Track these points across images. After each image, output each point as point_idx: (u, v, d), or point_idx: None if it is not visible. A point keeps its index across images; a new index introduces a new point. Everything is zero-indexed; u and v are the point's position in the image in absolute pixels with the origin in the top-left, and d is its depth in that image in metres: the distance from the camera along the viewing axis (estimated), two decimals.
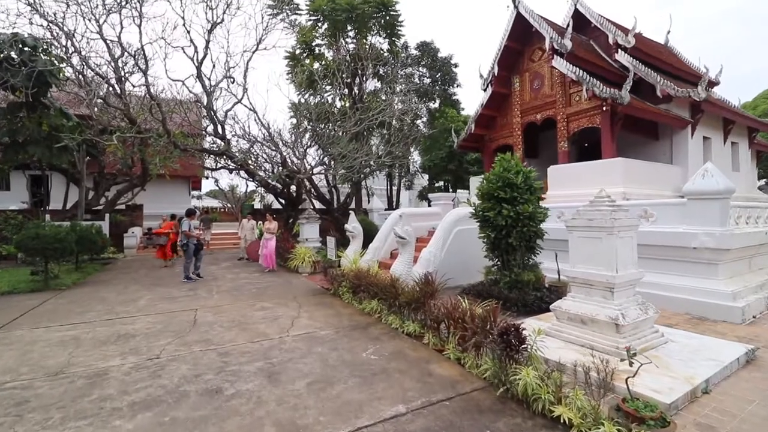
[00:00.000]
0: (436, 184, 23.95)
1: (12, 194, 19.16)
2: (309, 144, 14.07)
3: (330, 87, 17.14)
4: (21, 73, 10.75)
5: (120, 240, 15.55)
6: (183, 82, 13.25)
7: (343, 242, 10.82)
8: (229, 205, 29.88)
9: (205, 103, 13.18)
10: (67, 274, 9.67)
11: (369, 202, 21.66)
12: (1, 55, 11.31)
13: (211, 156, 14.50)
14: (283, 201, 15.42)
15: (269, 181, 14.38)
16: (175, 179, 20.59)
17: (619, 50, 12.47)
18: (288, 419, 2.83)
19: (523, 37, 13.09)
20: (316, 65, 17.34)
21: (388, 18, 18.29)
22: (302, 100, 17.44)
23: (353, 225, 10.02)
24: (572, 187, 10.51)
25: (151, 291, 7.93)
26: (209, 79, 13.23)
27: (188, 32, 12.42)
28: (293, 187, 14.83)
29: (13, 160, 13.31)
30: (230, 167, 14.33)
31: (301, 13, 17.98)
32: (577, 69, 11.00)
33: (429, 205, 22.61)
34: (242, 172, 14.61)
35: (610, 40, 12.70)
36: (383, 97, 16.43)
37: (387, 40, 19.14)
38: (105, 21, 11.76)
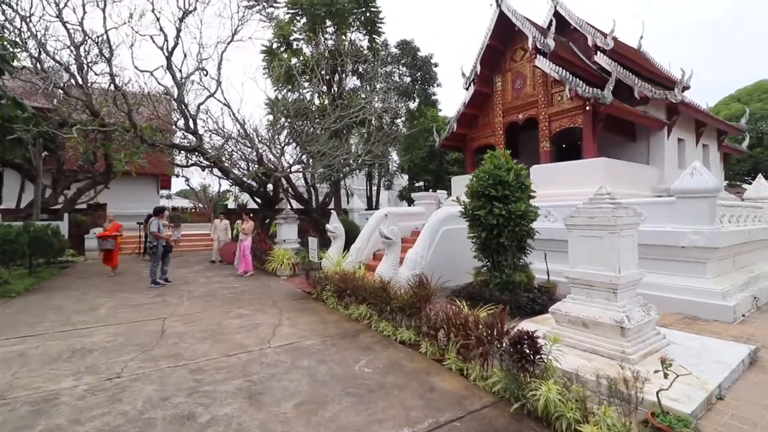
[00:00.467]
0: (416, 184, 23.76)
1: None
2: (287, 141, 13.52)
3: (308, 83, 16.60)
4: None
5: (81, 242, 14.46)
6: (151, 72, 12.50)
7: (323, 243, 10.37)
8: (200, 205, 28.70)
9: (175, 96, 12.44)
10: (18, 279, 8.76)
11: (348, 202, 21.23)
12: None
13: (182, 152, 13.74)
14: (259, 200, 14.78)
15: (244, 179, 13.73)
16: (142, 177, 19.52)
17: (598, 52, 12.60)
18: None
19: (505, 36, 13.03)
20: (294, 60, 16.77)
21: (368, 14, 17.91)
22: (279, 96, 16.83)
23: (335, 225, 9.60)
24: (555, 187, 10.49)
25: (113, 297, 7.24)
26: (180, 70, 12.52)
27: (158, 20, 11.69)
28: (270, 186, 14.23)
29: None
30: (202, 164, 13.59)
31: (279, 6, 17.35)
32: (560, 69, 10.99)
33: (409, 205, 22.47)
34: (215, 170, 13.92)
35: (590, 42, 12.81)
36: (363, 95, 16.07)
37: (367, 37, 18.75)
38: (66, 4, 10.87)
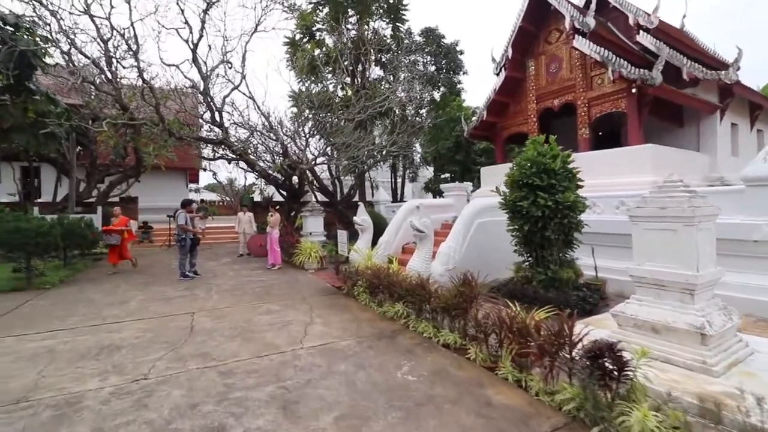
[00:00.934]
0: (442, 176, 23.16)
1: (3, 186, 18.35)
2: (311, 133, 13.27)
3: (332, 74, 16.28)
4: (1, 52, 9.88)
5: None
6: (177, 66, 12.46)
7: (350, 236, 10.09)
8: (227, 199, 29.08)
9: (201, 89, 12.38)
10: (54, 271, 8.91)
11: (373, 194, 20.91)
12: None
13: (209, 146, 13.73)
14: (284, 193, 14.65)
15: (270, 172, 13.61)
16: (171, 171, 19.77)
17: (641, 31, 11.67)
18: None
19: (539, 17, 12.27)
20: (317, 51, 16.46)
21: (392, 1, 17.36)
22: (303, 88, 16.59)
23: (362, 218, 9.28)
24: (597, 176, 9.74)
25: (143, 291, 7.18)
26: (205, 63, 12.43)
27: (182, 11, 11.60)
28: (295, 179, 14.06)
29: None
30: (229, 157, 13.54)
31: None
32: (602, 49, 10.21)
33: (434, 197, 21.93)
34: (241, 163, 13.86)
35: (631, 21, 11.90)
36: (387, 85, 15.60)
37: (390, 25, 18.21)
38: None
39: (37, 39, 11.18)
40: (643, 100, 9.84)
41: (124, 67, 12.06)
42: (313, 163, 13.28)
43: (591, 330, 3.88)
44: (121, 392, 3.10)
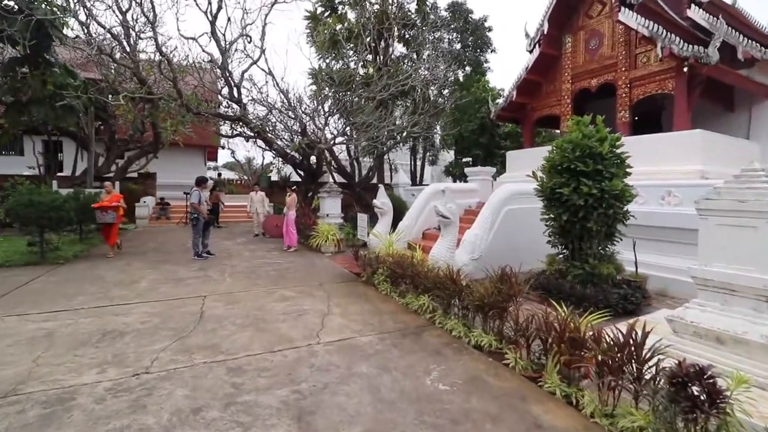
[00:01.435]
0: (464, 160, 22.38)
1: (25, 160, 18.58)
2: (330, 112, 12.76)
3: (353, 51, 15.60)
4: (18, 21, 9.63)
5: (131, 210, 14.72)
6: (196, 39, 12.01)
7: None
8: (245, 177, 29.06)
9: (219, 64, 11.97)
10: (69, 246, 8.83)
11: (392, 176, 20.39)
12: None
13: (227, 122, 13.41)
14: (301, 173, 14.29)
15: (287, 150, 13.23)
16: (189, 148, 19.68)
17: (692, 5, 10.60)
18: None
19: None
20: (339, 26, 15.76)
21: None
22: (323, 65, 15.99)
23: (382, 200, 8.85)
24: (638, 164, 9.01)
25: (155, 269, 6.96)
26: (224, 36, 11.97)
27: None
28: (313, 159, 13.65)
29: (18, 123, 12.45)
30: (246, 135, 13.20)
31: None
32: (651, 23, 9.28)
33: (454, 181, 21.25)
34: (259, 141, 13.51)
35: None
36: (410, 64, 14.85)
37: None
38: None
39: (54, 9, 10.92)
40: (694, 80, 8.95)
41: (141, 39, 11.72)
42: (332, 142, 12.83)
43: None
44: (119, 388, 2.79)
